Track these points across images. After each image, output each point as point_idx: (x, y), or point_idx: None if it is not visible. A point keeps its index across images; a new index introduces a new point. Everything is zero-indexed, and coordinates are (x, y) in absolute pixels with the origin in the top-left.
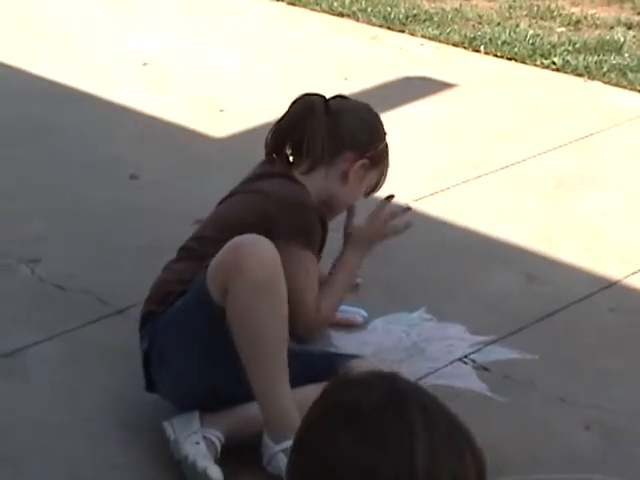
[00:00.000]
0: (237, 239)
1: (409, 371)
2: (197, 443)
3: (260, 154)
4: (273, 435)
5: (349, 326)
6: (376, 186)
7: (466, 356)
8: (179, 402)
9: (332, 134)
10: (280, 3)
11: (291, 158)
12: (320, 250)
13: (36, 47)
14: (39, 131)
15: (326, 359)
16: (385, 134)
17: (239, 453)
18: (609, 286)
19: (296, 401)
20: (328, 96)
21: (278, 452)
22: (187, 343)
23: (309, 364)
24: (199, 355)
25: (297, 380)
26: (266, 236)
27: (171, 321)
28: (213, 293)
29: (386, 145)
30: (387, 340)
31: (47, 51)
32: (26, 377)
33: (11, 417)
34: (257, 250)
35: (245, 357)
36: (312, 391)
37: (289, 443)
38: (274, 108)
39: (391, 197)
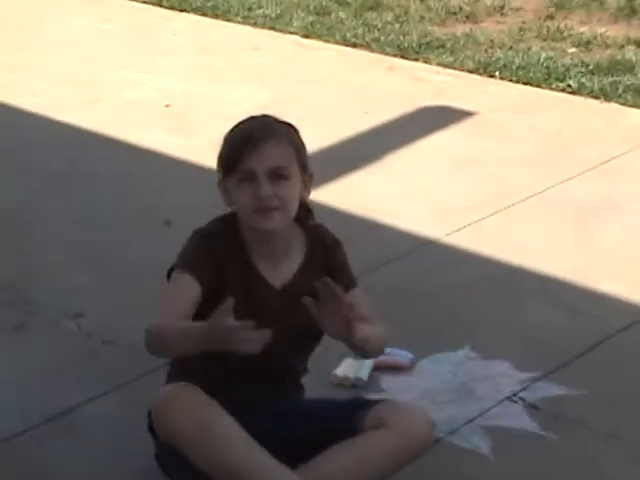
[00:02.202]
0: (158, 398)
1: (459, 412)
2: None
3: None
4: None
5: (396, 369)
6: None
7: (514, 394)
8: None
9: None
10: (294, 36)
11: None
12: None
13: (58, 94)
14: (70, 180)
15: (342, 413)
16: (226, 148)
17: None
18: None
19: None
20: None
21: None
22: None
23: (328, 420)
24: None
25: (317, 437)
26: None
27: None
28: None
29: (226, 156)
30: (433, 382)
31: (70, 98)
32: (81, 435)
33: (68, 476)
34: (174, 409)
35: None
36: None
37: None
38: None
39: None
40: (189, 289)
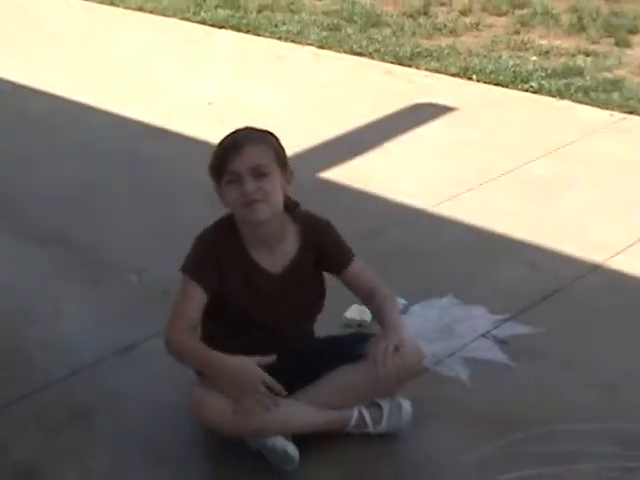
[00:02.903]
0: (191, 399)
1: (444, 347)
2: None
3: (303, 177)
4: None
5: None
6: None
7: (488, 332)
8: None
9: None
10: (311, 47)
11: None
12: (213, 263)
13: (123, 93)
14: (130, 162)
15: (354, 341)
16: (215, 156)
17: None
18: (594, 269)
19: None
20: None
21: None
22: None
23: (343, 345)
24: None
25: (335, 361)
26: None
27: None
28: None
29: (216, 162)
30: (424, 323)
31: (132, 96)
32: (144, 365)
33: (134, 396)
34: (207, 410)
35: None
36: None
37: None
38: (314, 134)
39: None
40: (198, 299)
